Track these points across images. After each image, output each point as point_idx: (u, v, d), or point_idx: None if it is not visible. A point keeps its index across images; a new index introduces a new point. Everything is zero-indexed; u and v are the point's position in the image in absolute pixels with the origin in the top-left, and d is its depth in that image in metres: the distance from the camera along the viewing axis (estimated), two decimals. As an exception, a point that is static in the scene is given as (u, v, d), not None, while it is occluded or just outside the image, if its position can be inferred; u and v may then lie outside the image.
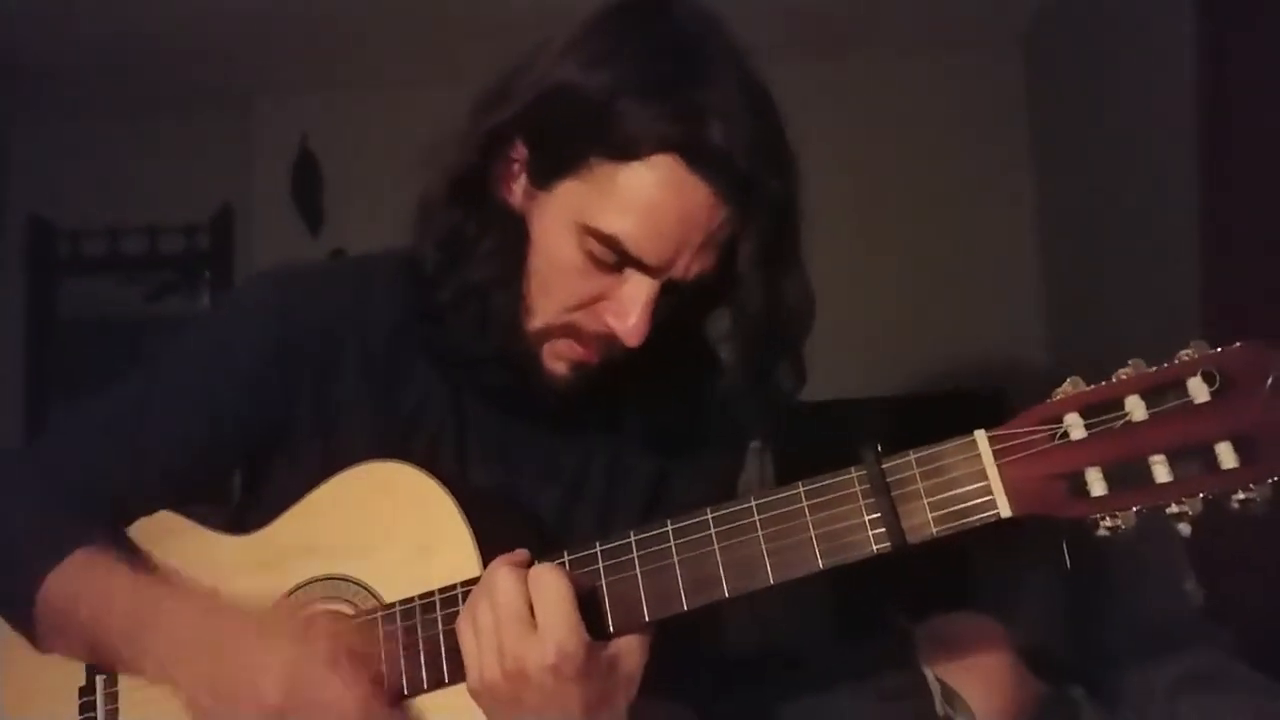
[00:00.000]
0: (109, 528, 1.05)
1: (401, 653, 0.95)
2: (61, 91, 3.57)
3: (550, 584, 0.85)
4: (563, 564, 0.90)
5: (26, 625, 1.02)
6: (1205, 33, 2.20)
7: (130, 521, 1.07)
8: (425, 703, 0.94)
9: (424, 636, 0.94)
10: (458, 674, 0.92)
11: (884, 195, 3.37)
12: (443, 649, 0.93)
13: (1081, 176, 3.21)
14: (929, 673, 1.13)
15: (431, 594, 0.95)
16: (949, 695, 1.12)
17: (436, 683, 0.94)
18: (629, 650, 0.88)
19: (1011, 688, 1.13)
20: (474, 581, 0.93)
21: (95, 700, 1.04)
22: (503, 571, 0.87)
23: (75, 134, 3.73)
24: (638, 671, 0.89)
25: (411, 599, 0.96)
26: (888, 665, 1.13)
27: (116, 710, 1.03)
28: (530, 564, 0.89)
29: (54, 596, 0.99)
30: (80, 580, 0.99)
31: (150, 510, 1.07)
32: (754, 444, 1.24)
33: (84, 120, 3.72)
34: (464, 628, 0.89)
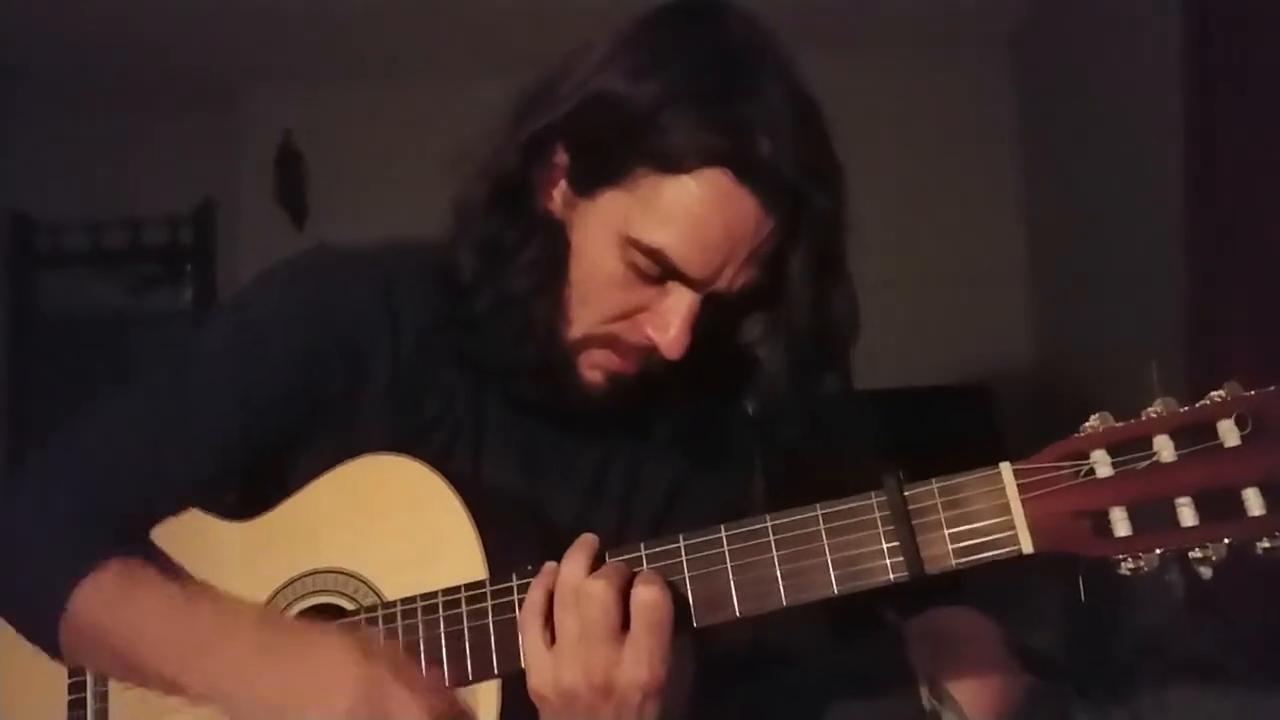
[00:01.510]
0: (139, 535, 1.01)
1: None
2: (41, 85, 3.51)
3: (655, 607, 0.84)
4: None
5: (50, 639, 0.98)
6: (1193, 33, 2.21)
7: (154, 524, 1.03)
8: None
9: (427, 636, 0.93)
10: (459, 678, 0.92)
11: (871, 192, 3.36)
12: (444, 652, 0.92)
13: (1069, 174, 3.22)
14: (915, 667, 1.13)
15: (434, 594, 0.94)
16: (936, 689, 1.12)
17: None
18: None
19: (999, 681, 1.14)
20: (478, 585, 0.92)
21: (85, 698, 1.02)
22: (594, 584, 0.85)
23: (56, 127, 3.67)
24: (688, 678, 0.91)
25: (413, 598, 0.95)
26: (879, 662, 1.13)
27: (106, 710, 1.02)
28: (600, 551, 0.88)
29: (83, 611, 0.95)
30: (114, 595, 0.95)
31: (173, 513, 1.04)
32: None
33: (64, 114, 3.66)
34: (533, 630, 0.87)
